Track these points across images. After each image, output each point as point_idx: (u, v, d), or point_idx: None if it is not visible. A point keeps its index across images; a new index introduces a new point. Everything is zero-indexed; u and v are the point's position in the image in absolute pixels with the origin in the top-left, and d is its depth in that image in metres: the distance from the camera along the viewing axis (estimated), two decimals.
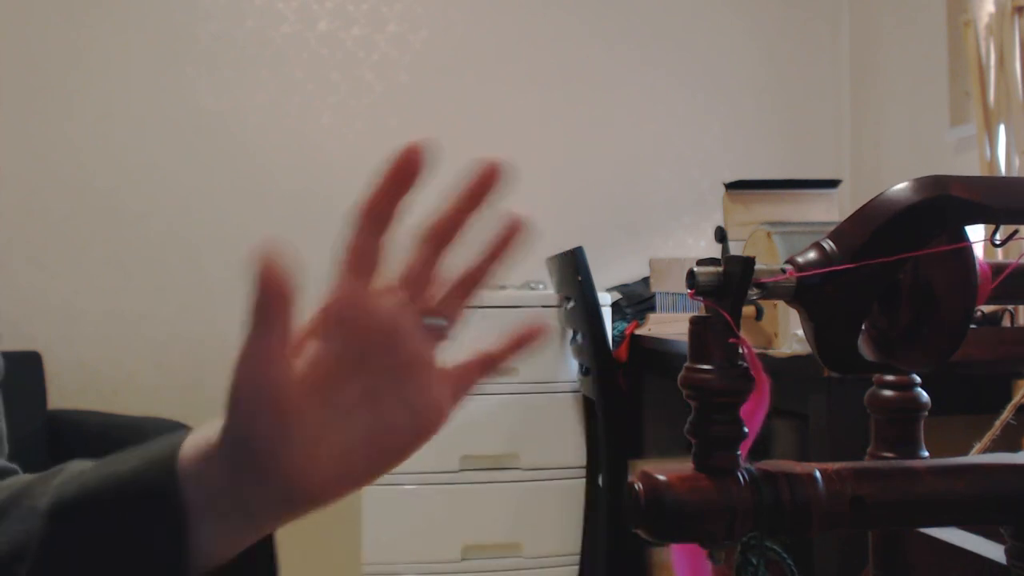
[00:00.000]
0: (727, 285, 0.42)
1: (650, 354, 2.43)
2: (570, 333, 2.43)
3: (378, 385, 0.49)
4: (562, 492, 2.46)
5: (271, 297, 0.43)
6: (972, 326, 0.46)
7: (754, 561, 0.49)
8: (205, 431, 0.49)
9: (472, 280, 0.51)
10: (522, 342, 0.52)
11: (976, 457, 0.50)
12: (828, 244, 0.45)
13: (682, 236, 3.15)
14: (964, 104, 2.54)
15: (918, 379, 0.59)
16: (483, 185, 0.48)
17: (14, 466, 0.60)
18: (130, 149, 2.87)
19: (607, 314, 2.35)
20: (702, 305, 0.44)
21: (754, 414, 0.44)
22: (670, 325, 2.48)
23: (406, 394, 0.49)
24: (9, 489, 0.52)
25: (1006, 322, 0.55)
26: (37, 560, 0.49)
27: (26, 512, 0.50)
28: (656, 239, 3.14)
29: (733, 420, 0.43)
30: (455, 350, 0.52)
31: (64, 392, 2.78)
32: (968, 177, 0.45)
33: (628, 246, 3.10)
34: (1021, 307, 1.05)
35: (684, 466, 0.43)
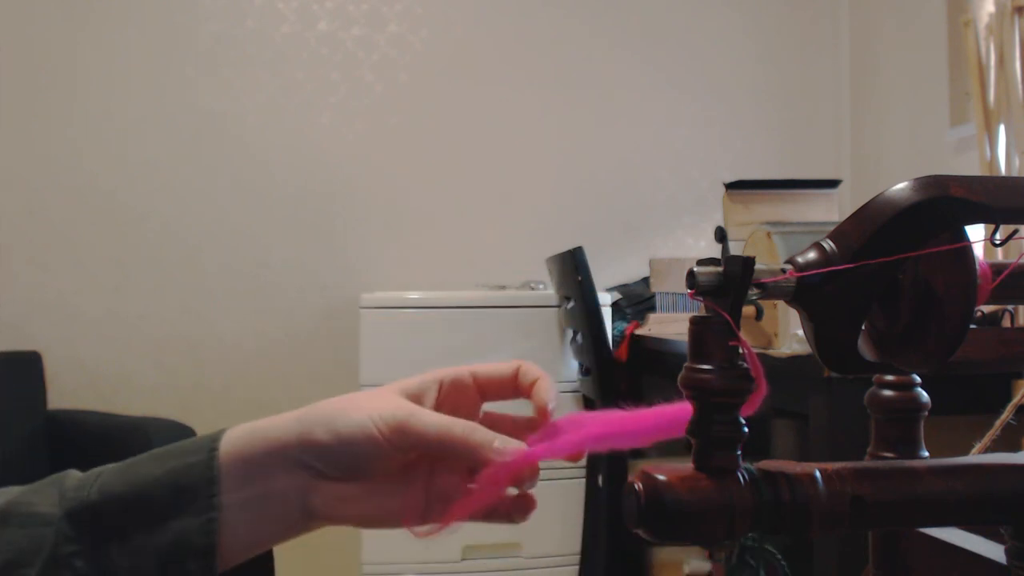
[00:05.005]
0: (727, 285, 0.42)
1: (650, 354, 2.43)
2: (570, 333, 2.43)
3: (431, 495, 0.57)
4: (562, 492, 2.46)
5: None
6: (972, 326, 0.46)
7: (752, 563, 0.49)
8: (253, 436, 0.53)
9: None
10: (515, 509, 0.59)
11: (976, 457, 0.50)
12: (828, 244, 0.45)
13: (682, 236, 3.15)
14: (964, 104, 2.54)
15: (918, 379, 0.59)
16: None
17: None
18: (130, 149, 2.87)
19: (607, 314, 2.35)
20: (702, 305, 0.44)
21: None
22: (670, 325, 2.47)
23: (441, 502, 0.57)
24: (3, 495, 0.52)
25: (1006, 322, 0.55)
26: (50, 565, 0.49)
27: (26, 519, 0.50)
28: (656, 239, 3.13)
29: (733, 420, 0.43)
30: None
31: (64, 392, 2.78)
32: (968, 177, 0.45)
33: (628, 246, 3.10)
34: (1021, 307, 1.05)
35: (684, 466, 0.43)
